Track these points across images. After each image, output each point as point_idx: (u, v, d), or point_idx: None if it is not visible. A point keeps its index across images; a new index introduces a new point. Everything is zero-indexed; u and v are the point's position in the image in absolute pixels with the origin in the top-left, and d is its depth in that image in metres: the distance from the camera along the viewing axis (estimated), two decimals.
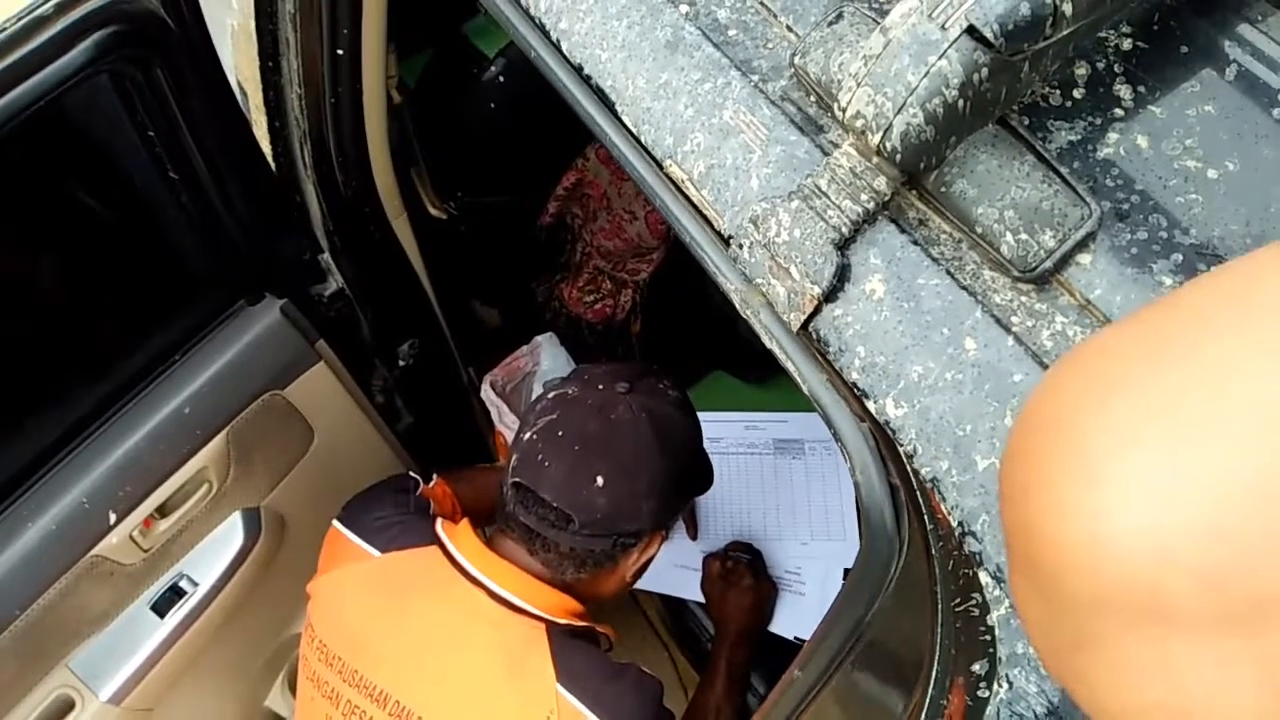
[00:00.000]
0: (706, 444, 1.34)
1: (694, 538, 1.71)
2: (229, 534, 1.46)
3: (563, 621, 1.17)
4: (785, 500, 1.72)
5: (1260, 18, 0.60)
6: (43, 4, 0.87)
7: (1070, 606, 0.33)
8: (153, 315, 1.32)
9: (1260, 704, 0.29)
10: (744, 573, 1.56)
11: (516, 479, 1.16)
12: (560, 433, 1.16)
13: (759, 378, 1.92)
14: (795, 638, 1.59)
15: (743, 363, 1.92)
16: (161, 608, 1.42)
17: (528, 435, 1.19)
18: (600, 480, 1.13)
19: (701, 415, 1.33)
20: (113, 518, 1.31)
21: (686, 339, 1.92)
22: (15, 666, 1.28)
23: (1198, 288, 0.35)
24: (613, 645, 1.27)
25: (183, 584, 1.44)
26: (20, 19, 0.91)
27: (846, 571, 1.63)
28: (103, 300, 1.26)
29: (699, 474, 1.31)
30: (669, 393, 1.26)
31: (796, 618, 1.61)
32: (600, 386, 1.21)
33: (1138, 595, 0.31)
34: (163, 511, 1.38)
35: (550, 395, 1.23)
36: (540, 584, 1.18)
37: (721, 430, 1.79)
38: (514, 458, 1.19)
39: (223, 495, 1.44)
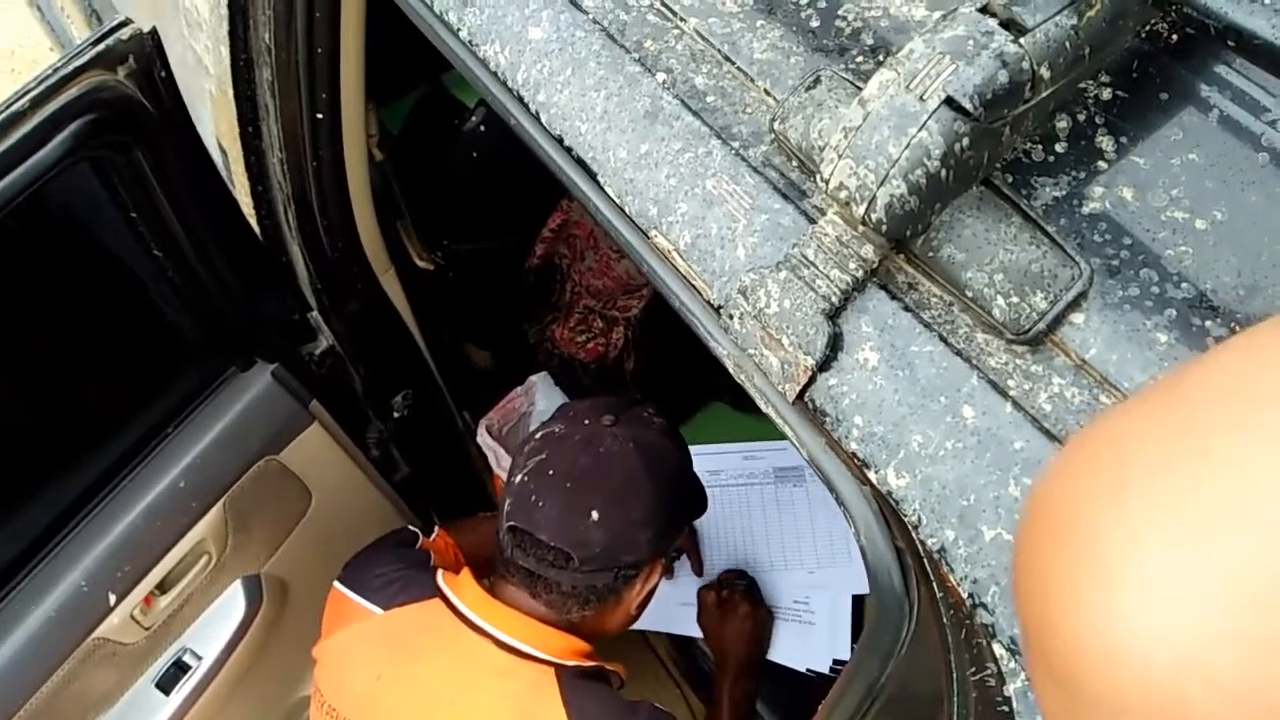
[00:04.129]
0: (706, 477, 1.34)
1: (699, 573, 1.70)
2: (230, 604, 1.45)
3: (571, 663, 1.17)
4: (789, 529, 1.71)
5: (1239, 61, 0.60)
6: (18, 99, 0.87)
7: (1091, 708, 0.33)
8: (143, 391, 1.31)
9: None
10: (740, 601, 1.55)
11: (511, 522, 1.16)
12: (550, 471, 1.16)
13: (756, 407, 1.91)
14: (808, 669, 1.58)
15: (739, 393, 1.91)
16: (166, 685, 1.40)
17: (518, 478, 1.19)
18: (595, 514, 1.13)
19: (700, 448, 1.32)
20: (112, 599, 1.29)
21: (681, 372, 1.91)
22: None
23: (1203, 369, 0.35)
24: (624, 683, 1.26)
25: (186, 658, 1.43)
26: None
27: (855, 598, 1.62)
28: (92, 380, 1.25)
29: (692, 497, 1.31)
30: (654, 420, 1.27)
31: (807, 648, 1.60)
32: (586, 421, 1.22)
33: (1158, 703, 0.30)
34: (162, 587, 1.37)
35: (538, 435, 1.24)
36: (546, 627, 1.17)
37: (720, 462, 1.78)
38: (507, 502, 1.18)
39: (222, 565, 1.43)
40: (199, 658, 1.42)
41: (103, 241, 1.13)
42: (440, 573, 1.25)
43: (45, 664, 1.23)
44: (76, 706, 1.31)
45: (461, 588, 1.21)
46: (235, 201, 1.36)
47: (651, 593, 1.25)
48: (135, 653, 1.36)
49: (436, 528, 1.45)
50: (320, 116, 1.28)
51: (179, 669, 1.40)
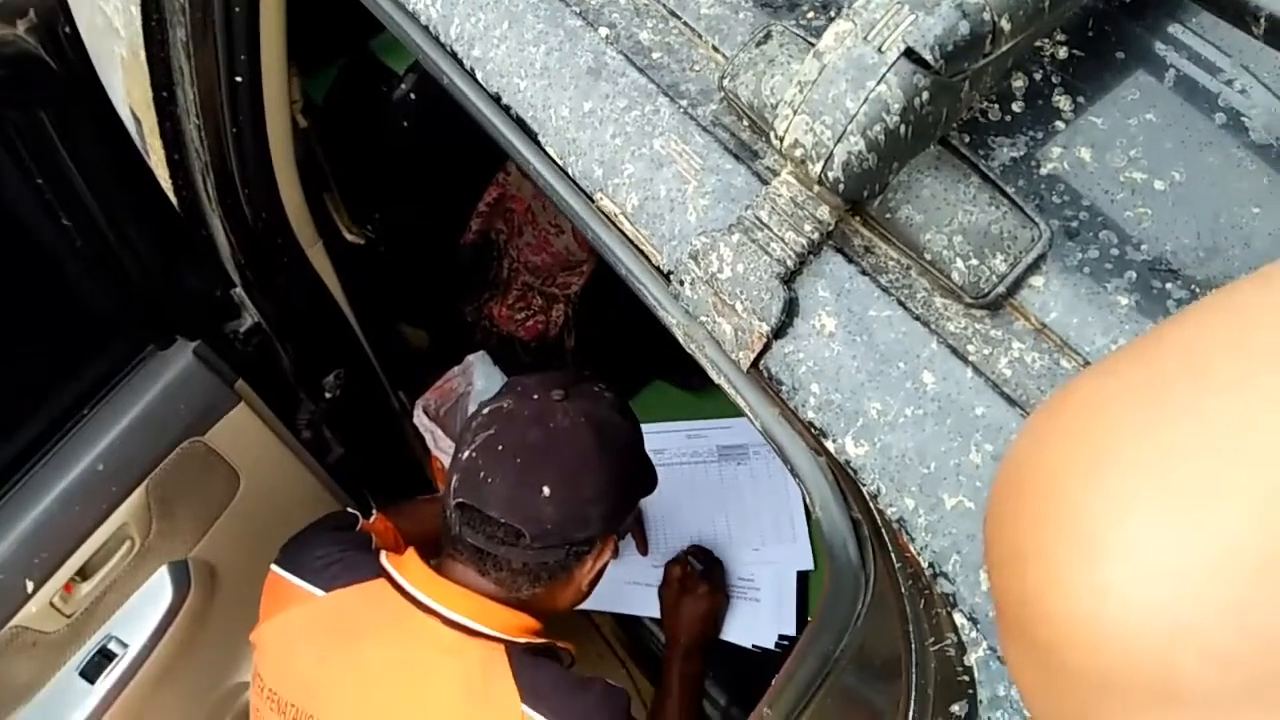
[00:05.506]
0: (649, 456, 1.32)
1: (644, 553, 1.68)
2: (157, 590, 1.40)
3: (521, 640, 1.15)
4: (734, 507, 1.71)
5: (1194, 19, 0.59)
6: None
7: (1073, 683, 0.31)
8: (56, 370, 1.25)
9: None
10: (700, 580, 1.54)
11: (460, 499, 1.13)
12: (500, 447, 1.14)
13: (699, 384, 1.90)
14: (754, 645, 1.58)
15: (681, 370, 1.90)
16: (91, 673, 1.35)
17: (466, 454, 1.16)
18: (547, 490, 1.11)
19: (643, 427, 1.31)
20: (30, 586, 1.24)
21: (623, 350, 1.89)
22: None
23: (1184, 327, 0.33)
24: (574, 660, 1.25)
25: (112, 646, 1.38)
26: None
27: (800, 574, 1.62)
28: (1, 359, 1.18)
29: (644, 473, 1.30)
30: (604, 395, 1.25)
31: (753, 625, 1.60)
32: (535, 396, 1.19)
33: (1147, 675, 0.29)
34: (84, 574, 1.32)
35: (485, 411, 1.21)
36: (495, 605, 1.15)
37: (664, 441, 1.77)
38: (454, 478, 1.16)
39: (147, 551, 1.37)
40: (125, 645, 1.37)
41: (5, 209, 1.06)
42: (384, 553, 1.23)
43: None
44: None
45: (407, 567, 1.19)
46: (150, 170, 1.29)
47: (603, 570, 1.24)
48: (57, 641, 1.31)
49: (374, 510, 1.41)
50: (239, 80, 1.21)
51: (104, 657, 1.35)
